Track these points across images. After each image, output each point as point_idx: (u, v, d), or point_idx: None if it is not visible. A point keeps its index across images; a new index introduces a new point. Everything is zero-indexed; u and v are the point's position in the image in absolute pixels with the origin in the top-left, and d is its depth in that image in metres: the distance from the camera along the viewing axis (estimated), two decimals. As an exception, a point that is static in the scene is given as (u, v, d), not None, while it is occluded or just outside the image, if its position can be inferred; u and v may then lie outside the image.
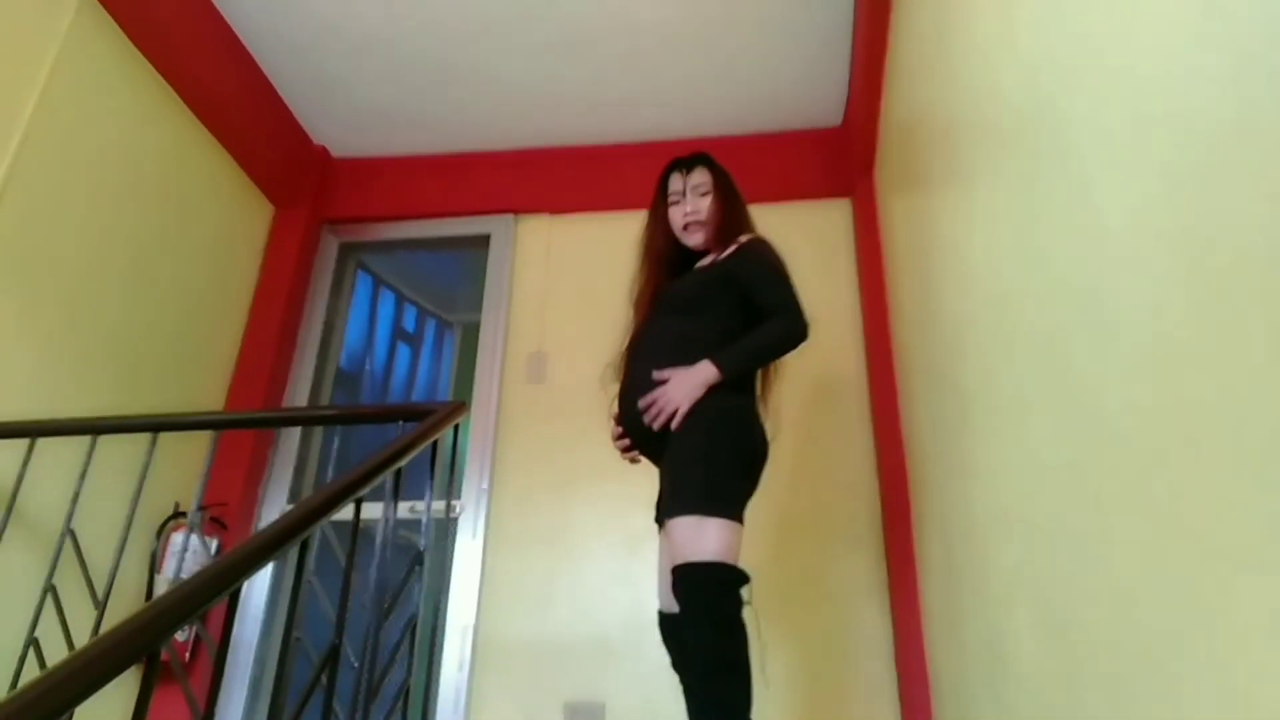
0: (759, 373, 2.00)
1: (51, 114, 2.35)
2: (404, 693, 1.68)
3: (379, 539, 1.68)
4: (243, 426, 2.85)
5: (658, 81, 3.15)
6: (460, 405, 1.93)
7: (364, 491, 1.47)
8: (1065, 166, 1.18)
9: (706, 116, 3.29)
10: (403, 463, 1.63)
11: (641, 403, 1.87)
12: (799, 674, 2.56)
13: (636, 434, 1.98)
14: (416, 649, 1.75)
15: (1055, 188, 1.22)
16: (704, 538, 1.68)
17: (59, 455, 2.13)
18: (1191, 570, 0.85)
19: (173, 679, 2.39)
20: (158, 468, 2.03)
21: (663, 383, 1.89)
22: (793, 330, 1.92)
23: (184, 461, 2.76)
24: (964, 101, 1.75)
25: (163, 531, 2.68)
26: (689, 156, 2.27)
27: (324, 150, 3.52)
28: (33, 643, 1.91)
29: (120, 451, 2.25)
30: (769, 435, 1.93)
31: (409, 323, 4.01)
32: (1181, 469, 0.86)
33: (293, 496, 3.05)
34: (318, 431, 3.23)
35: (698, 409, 1.83)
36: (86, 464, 2.01)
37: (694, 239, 2.16)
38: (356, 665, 1.58)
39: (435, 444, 1.80)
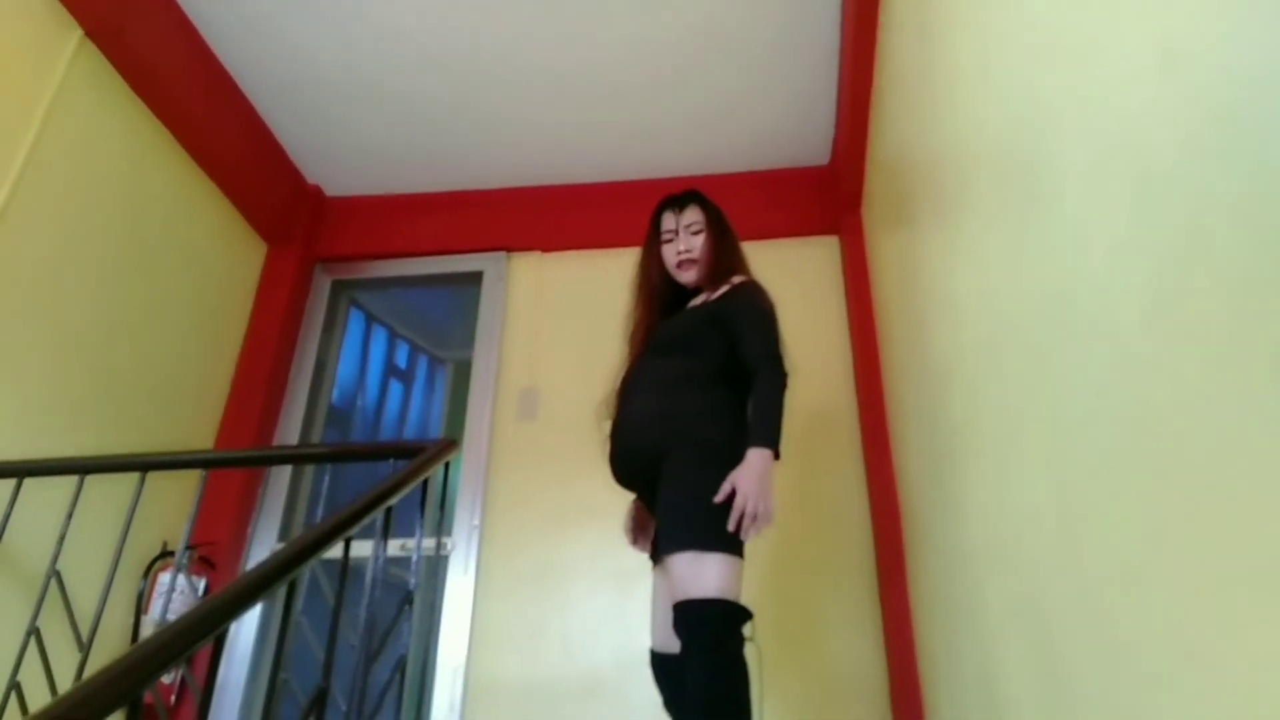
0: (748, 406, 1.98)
1: (47, 154, 2.37)
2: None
3: (369, 577, 1.66)
4: (232, 466, 2.83)
5: (648, 120, 3.20)
6: (451, 443, 1.93)
7: (354, 530, 1.46)
8: (1048, 203, 1.20)
9: (695, 155, 3.34)
10: (394, 501, 1.63)
11: (732, 522, 1.71)
12: (790, 709, 2.53)
13: (628, 470, 1.98)
14: (406, 690, 1.72)
15: (1039, 224, 1.24)
16: (703, 574, 1.67)
17: (46, 495, 2.12)
18: (1180, 606, 0.85)
19: (157, 722, 2.35)
20: (146, 507, 2.02)
21: (656, 416, 1.90)
22: (777, 382, 1.92)
23: (173, 500, 2.74)
24: (948, 139, 1.78)
25: (150, 571, 2.65)
26: (681, 194, 2.30)
27: (317, 189, 3.55)
28: (15, 687, 1.88)
29: (108, 491, 2.23)
30: None
31: (401, 359, 4.01)
32: (1168, 506, 0.87)
33: (283, 534, 3.02)
34: (309, 469, 3.21)
35: (690, 444, 1.84)
36: (74, 504, 1.99)
37: (686, 276, 2.18)
38: (344, 708, 1.56)
39: (426, 482, 1.80)
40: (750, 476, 1.74)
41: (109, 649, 2.35)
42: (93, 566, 2.28)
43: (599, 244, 3.35)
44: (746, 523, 1.71)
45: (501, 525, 2.92)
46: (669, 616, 1.73)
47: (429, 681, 2.67)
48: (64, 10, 2.42)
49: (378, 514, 1.58)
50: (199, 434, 3.00)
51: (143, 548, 2.63)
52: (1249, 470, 0.71)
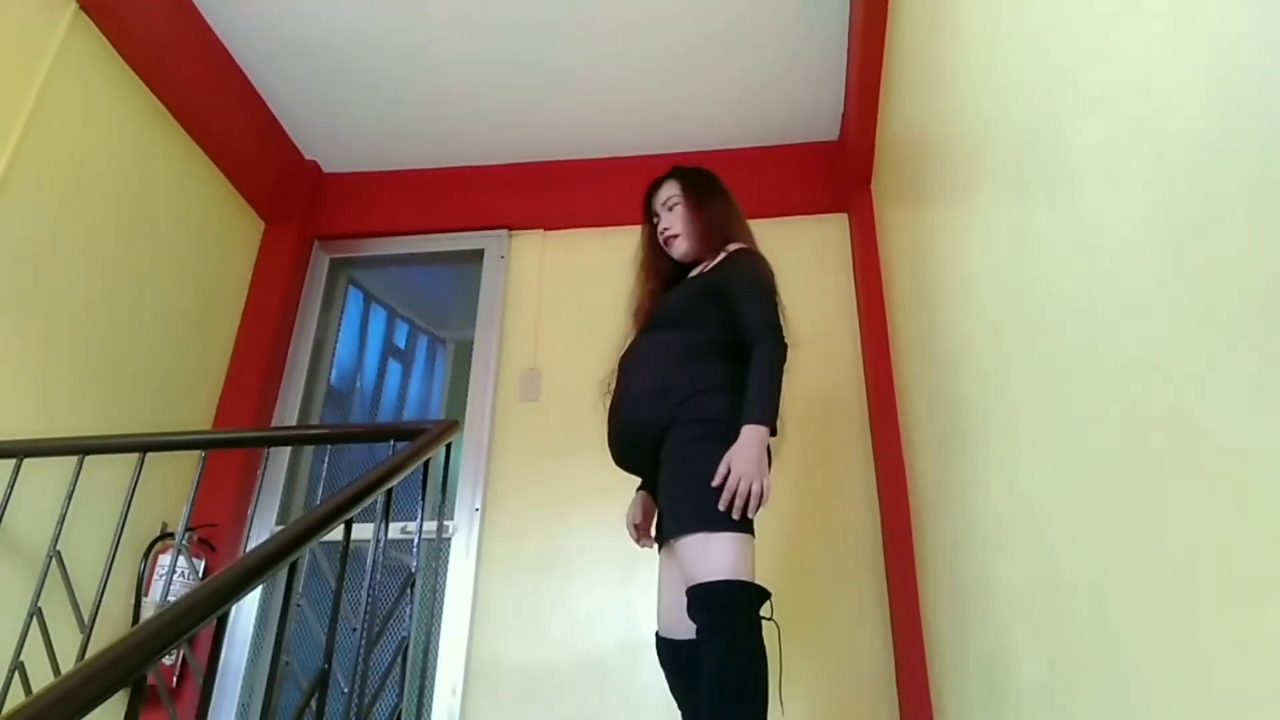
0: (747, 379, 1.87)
1: (42, 131, 2.33)
2: (395, 718, 1.65)
3: (370, 560, 1.65)
4: (231, 446, 2.81)
5: (652, 96, 3.15)
6: (453, 424, 1.91)
7: (354, 512, 1.45)
8: (1058, 184, 1.18)
9: (702, 131, 3.30)
10: (394, 483, 1.61)
11: (723, 504, 1.67)
12: (797, 690, 2.53)
13: (627, 449, 1.94)
14: (408, 673, 1.71)
15: (1049, 205, 1.22)
16: (712, 555, 1.64)
17: (45, 476, 2.10)
18: (1186, 593, 0.85)
19: (159, 704, 2.35)
20: (145, 488, 2.01)
21: (653, 392, 1.86)
22: (775, 354, 1.86)
23: (172, 482, 2.73)
24: (959, 117, 1.75)
25: (150, 553, 2.64)
26: (664, 175, 2.26)
27: (315, 165, 3.51)
28: (18, 667, 1.88)
29: (107, 472, 2.22)
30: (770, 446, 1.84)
31: (400, 340, 3.98)
32: (1180, 489, 0.85)
33: (282, 517, 3.01)
34: (307, 451, 3.20)
35: (689, 422, 1.79)
36: (73, 485, 1.98)
37: (676, 252, 2.15)
38: (346, 690, 1.55)
39: (427, 463, 1.78)
40: (744, 455, 1.68)
41: (110, 630, 2.35)
42: (93, 548, 2.27)
43: (603, 222, 3.32)
44: (739, 503, 1.66)
45: (503, 508, 2.90)
46: (677, 601, 1.71)
47: (431, 665, 2.67)
48: (57, -18, 2.38)
49: (378, 496, 1.56)
50: (197, 415, 2.98)
51: (142, 530, 2.62)
52: (1263, 452, 0.70)
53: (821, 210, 3.24)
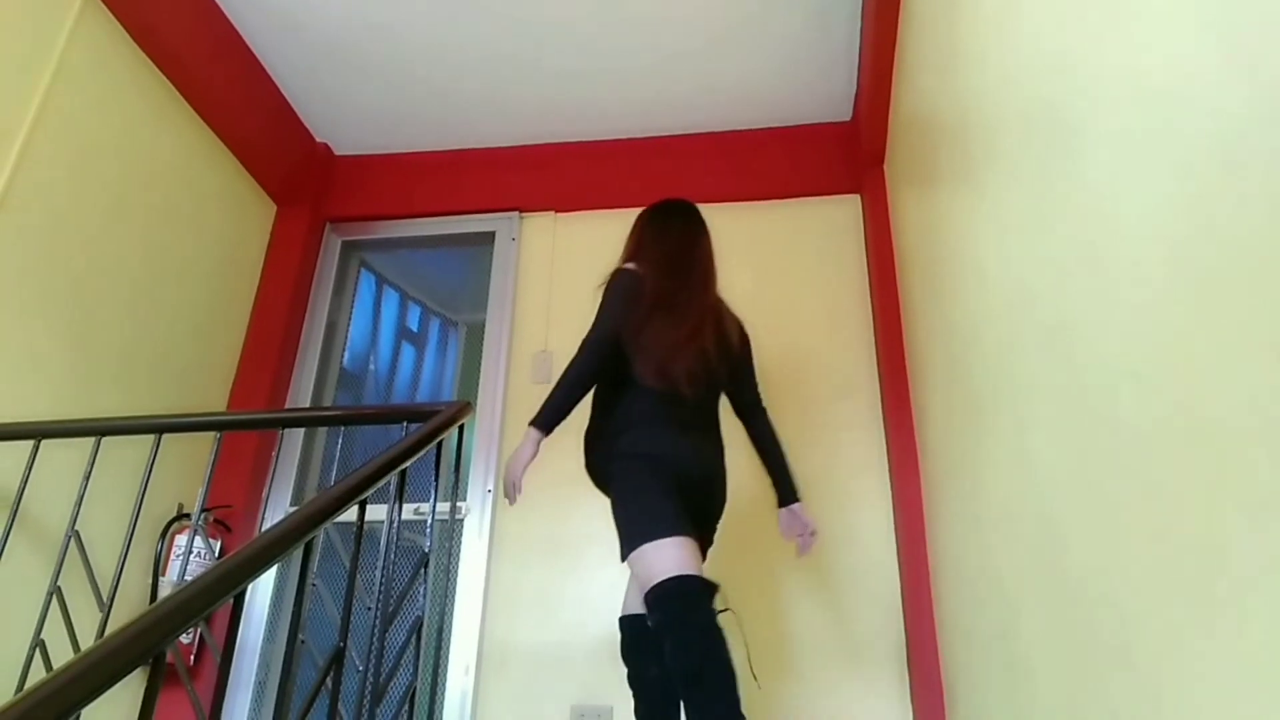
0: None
1: (55, 115, 2.34)
2: (409, 696, 1.67)
3: (384, 541, 1.67)
4: (246, 428, 2.83)
5: (664, 77, 3.13)
6: (465, 405, 1.91)
7: (368, 493, 1.46)
8: (1075, 163, 1.17)
9: (714, 112, 3.27)
10: (407, 464, 1.62)
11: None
12: (810, 669, 2.54)
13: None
14: (422, 652, 1.73)
15: (1066, 184, 1.21)
16: (648, 566, 1.76)
17: (63, 457, 2.13)
18: (1198, 570, 0.84)
19: (177, 682, 2.38)
20: (161, 469, 2.03)
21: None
22: (572, 364, 2.01)
23: (188, 463, 2.75)
24: (975, 95, 1.73)
25: (166, 534, 2.67)
26: None
27: (326, 148, 3.51)
28: (39, 645, 1.90)
29: (124, 453, 2.24)
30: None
31: (413, 322, 3.99)
32: (1195, 470, 0.85)
33: (296, 498, 3.04)
34: (321, 433, 3.22)
35: (601, 459, 2.01)
36: (90, 466, 2.00)
37: None
38: (361, 669, 1.57)
39: (440, 445, 1.79)
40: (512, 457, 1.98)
41: (128, 609, 2.38)
42: (111, 528, 2.30)
43: (614, 204, 3.30)
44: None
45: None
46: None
47: (445, 644, 2.69)
48: (67, -35, 2.38)
49: (392, 477, 1.57)
50: (212, 397, 3.00)
51: (159, 510, 2.64)
52: (1273, 437, 0.69)
53: (834, 191, 3.22)
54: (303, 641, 1.36)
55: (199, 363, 2.94)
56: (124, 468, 2.32)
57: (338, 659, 1.41)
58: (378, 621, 1.58)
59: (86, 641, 1.90)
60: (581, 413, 2.08)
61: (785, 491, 2.16)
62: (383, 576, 1.62)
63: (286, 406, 3.15)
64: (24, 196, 2.24)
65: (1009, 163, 1.50)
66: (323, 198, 3.47)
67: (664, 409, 1.95)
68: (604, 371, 2.00)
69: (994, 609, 1.75)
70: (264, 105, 3.18)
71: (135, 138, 2.65)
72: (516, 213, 3.39)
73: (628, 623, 2.04)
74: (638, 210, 3.31)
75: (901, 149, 2.70)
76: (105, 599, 1.91)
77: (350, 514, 1.43)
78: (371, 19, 2.91)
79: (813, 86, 3.16)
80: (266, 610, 2.86)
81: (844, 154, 3.23)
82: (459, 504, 2.89)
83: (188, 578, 2.42)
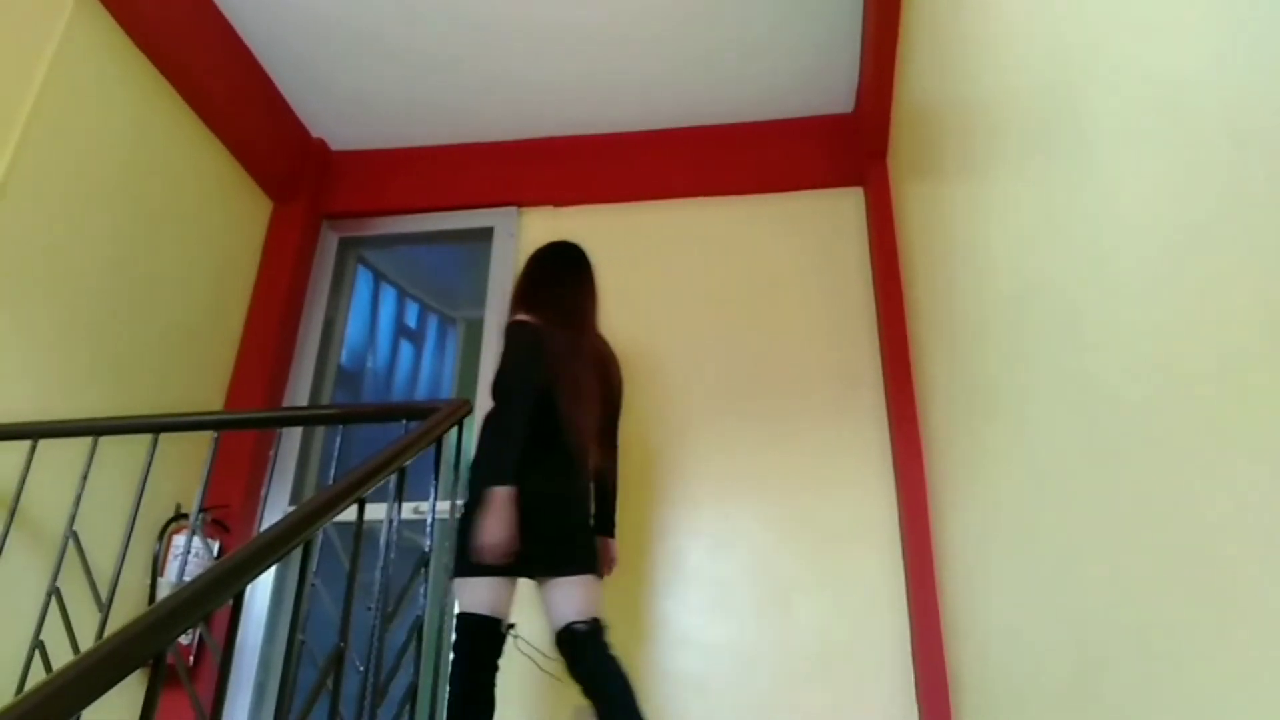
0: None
1: (49, 112, 2.32)
2: (410, 696, 1.66)
3: (383, 539, 1.65)
4: (243, 427, 2.82)
5: (664, 68, 3.11)
6: (464, 403, 1.90)
7: (367, 490, 1.45)
8: (1082, 155, 1.16)
9: (714, 104, 3.25)
10: (406, 462, 1.61)
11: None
12: (815, 675, 2.53)
13: None
14: (423, 652, 1.72)
15: (1072, 177, 1.20)
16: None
17: (60, 457, 2.11)
18: (1210, 567, 0.83)
19: (177, 683, 2.36)
20: (159, 469, 2.01)
21: None
22: (492, 423, 2.14)
23: (185, 463, 2.73)
24: (979, 86, 1.72)
25: (164, 534, 2.65)
26: None
27: (322, 143, 3.49)
28: (39, 645, 1.89)
29: (121, 453, 2.23)
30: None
31: (411, 319, 3.98)
32: (1199, 466, 0.84)
33: (294, 497, 3.02)
34: (319, 431, 3.20)
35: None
36: (88, 465, 1.99)
37: None
38: (361, 669, 1.56)
39: (439, 443, 1.78)
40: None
41: (127, 610, 2.36)
42: (109, 528, 2.29)
43: (613, 198, 3.30)
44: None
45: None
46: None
47: (445, 643, 2.68)
48: (61, -40, 2.35)
49: (390, 474, 1.56)
50: (209, 397, 2.98)
51: (157, 510, 2.63)
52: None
53: (836, 184, 3.20)
54: (303, 642, 1.35)
55: (196, 361, 2.92)
56: (121, 468, 2.31)
57: (338, 659, 1.40)
58: (378, 621, 1.57)
59: (86, 642, 1.88)
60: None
61: (604, 526, 2.35)
62: (382, 576, 1.61)
63: (284, 405, 3.13)
64: (18, 194, 2.22)
65: (1015, 153, 1.49)
66: (319, 194, 3.45)
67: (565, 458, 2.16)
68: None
69: (1001, 604, 1.74)
70: (259, 100, 3.16)
71: (130, 134, 2.63)
72: (515, 207, 3.37)
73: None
74: (638, 204, 3.31)
75: (905, 141, 2.69)
76: (104, 599, 1.90)
77: (349, 513, 1.42)
78: (366, 13, 2.89)
79: (814, 78, 3.14)
80: (266, 610, 2.84)
81: (846, 146, 3.21)
82: (458, 502, 2.87)
83: (186, 578, 2.41)
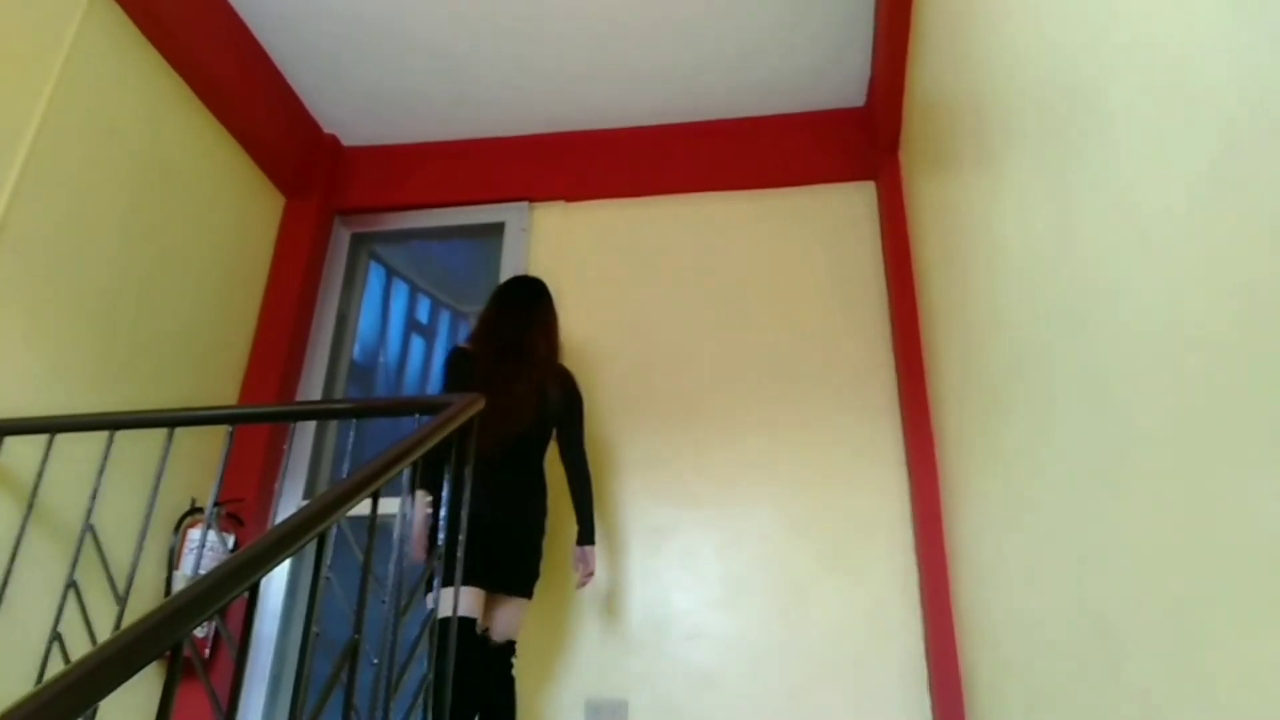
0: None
1: (63, 109, 2.33)
2: (425, 688, 1.66)
3: (396, 534, 1.66)
4: (258, 421, 2.82)
5: (675, 63, 3.10)
6: (477, 397, 1.90)
7: (381, 484, 1.45)
8: (1099, 146, 1.14)
9: (725, 98, 3.24)
10: (419, 454, 1.61)
11: None
12: (825, 662, 2.53)
13: None
14: (436, 645, 1.72)
15: (1089, 168, 1.18)
16: None
17: (78, 452, 2.13)
18: (1233, 560, 0.82)
19: (193, 675, 2.38)
20: (174, 464, 2.03)
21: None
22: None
23: (200, 457, 2.75)
24: (993, 78, 1.70)
25: (180, 527, 2.67)
26: None
27: (334, 139, 3.50)
28: (56, 638, 1.91)
29: (137, 448, 2.24)
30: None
31: (423, 314, 3.98)
32: (1221, 457, 0.83)
33: (308, 492, 3.04)
34: (332, 426, 3.21)
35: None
36: (104, 459, 2.00)
37: None
38: (376, 661, 1.56)
39: (453, 436, 1.78)
40: None
41: (144, 603, 2.38)
42: (125, 522, 2.31)
43: (625, 192, 3.29)
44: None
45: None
46: None
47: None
48: (75, -42, 2.37)
49: (404, 468, 1.56)
50: (223, 392, 3.00)
51: (172, 504, 2.65)
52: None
53: (848, 178, 3.18)
54: (317, 634, 1.35)
55: (210, 356, 2.93)
56: (137, 462, 2.32)
57: (353, 652, 1.40)
58: (392, 614, 1.58)
59: (103, 634, 1.90)
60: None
61: (583, 533, 2.42)
62: (396, 569, 1.62)
63: (297, 399, 3.15)
64: (35, 191, 2.24)
65: (1032, 144, 1.47)
66: (331, 189, 3.46)
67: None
68: None
69: (1015, 598, 1.73)
70: (272, 97, 3.17)
71: (144, 130, 2.64)
72: (526, 202, 3.37)
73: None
74: (649, 199, 3.31)
75: (917, 133, 2.67)
76: (121, 592, 1.91)
77: (364, 508, 1.42)
78: (378, 9, 2.89)
79: (826, 72, 3.12)
80: (281, 604, 2.86)
81: (858, 140, 3.20)
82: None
83: (201, 571, 2.42)
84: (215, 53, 2.86)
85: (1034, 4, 1.40)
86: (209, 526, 2.37)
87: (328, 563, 1.40)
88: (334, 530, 1.34)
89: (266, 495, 2.93)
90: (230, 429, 2.02)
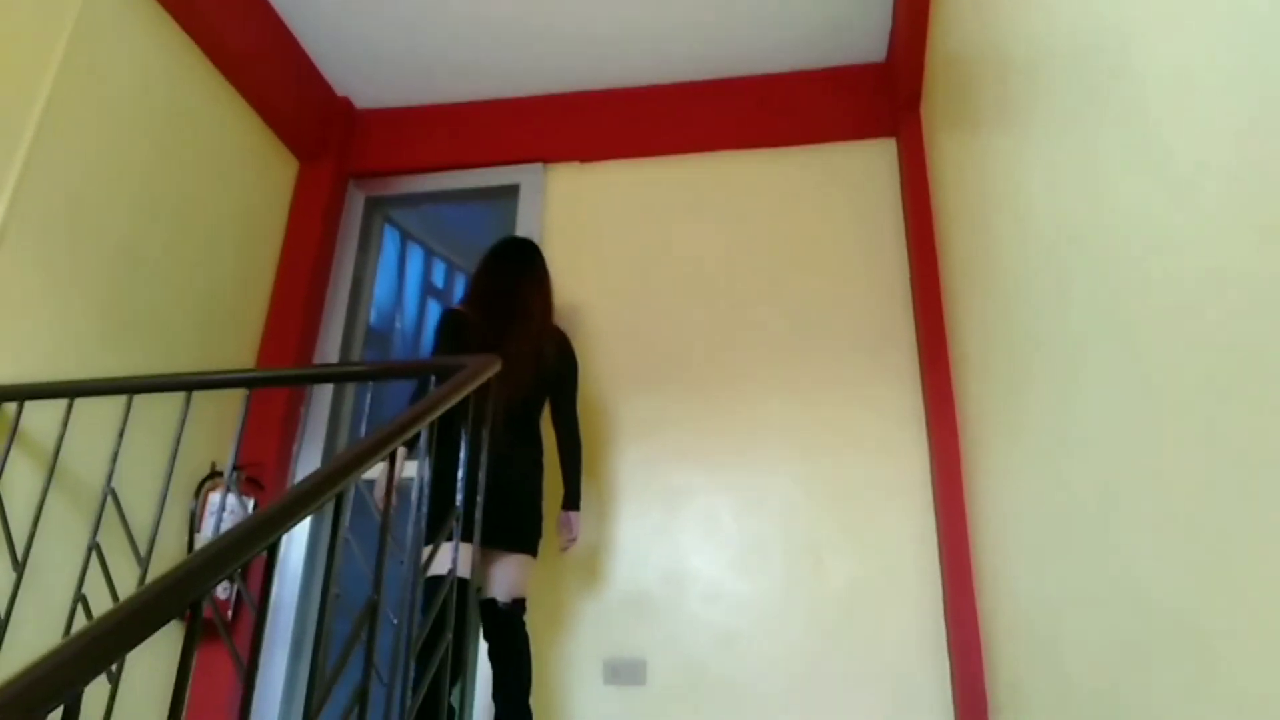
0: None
1: (74, 75, 2.31)
2: (444, 651, 1.67)
3: (414, 495, 1.66)
4: (275, 384, 2.84)
5: (690, 19, 3.04)
6: (493, 358, 1.89)
7: (398, 445, 1.44)
8: (1128, 100, 1.11)
9: (742, 54, 3.18)
10: (436, 415, 1.60)
11: None
12: (842, 626, 2.53)
13: None
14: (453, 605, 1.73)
15: (1118, 123, 1.14)
16: None
17: (97, 416, 2.14)
18: (1266, 539, 0.79)
19: (216, 637, 2.42)
20: (193, 428, 2.04)
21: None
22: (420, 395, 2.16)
23: (218, 421, 2.77)
24: (1020, 31, 1.64)
25: (200, 491, 2.69)
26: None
27: (347, 101, 3.46)
28: (80, 599, 1.93)
29: (156, 412, 2.25)
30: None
31: (438, 278, 3.97)
32: (1258, 432, 0.80)
33: (327, 455, 3.05)
34: (349, 390, 3.22)
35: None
36: (124, 423, 2.01)
37: None
38: (395, 621, 1.57)
39: (469, 398, 1.77)
40: None
41: (165, 566, 2.40)
42: (146, 486, 2.33)
43: (641, 152, 3.24)
44: None
45: (547, 443, 2.91)
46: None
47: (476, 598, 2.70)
48: (82, -83, 2.33)
49: (421, 428, 1.55)
50: (240, 356, 3.00)
51: (192, 468, 2.67)
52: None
53: (868, 135, 3.12)
54: (337, 595, 1.35)
55: (227, 320, 2.94)
56: (156, 426, 2.34)
57: (372, 612, 1.41)
58: (411, 575, 1.58)
59: (125, 595, 1.92)
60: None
61: (569, 498, 2.42)
62: (415, 531, 1.62)
63: (314, 364, 3.15)
64: (48, 156, 2.23)
65: (1057, 97, 1.43)
66: (345, 153, 3.43)
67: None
68: None
69: (1038, 567, 1.71)
70: (285, 60, 3.13)
71: (156, 96, 2.62)
72: (540, 164, 3.33)
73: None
74: (664, 159, 3.26)
75: (939, 89, 2.61)
76: (143, 555, 1.93)
77: (380, 472, 1.42)
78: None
79: (846, 26, 3.05)
80: (301, 566, 2.89)
81: (879, 96, 3.13)
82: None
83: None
84: (227, 17, 2.83)
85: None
86: (228, 490, 2.38)
87: (345, 523, 1.40)
88: (351, 490, 1.33)
89: (285, 459, 2.95)
90: (247, 392, 2.03)
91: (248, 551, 1.04)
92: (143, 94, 2.57)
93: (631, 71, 3.27)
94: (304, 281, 3.16)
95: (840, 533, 2.64)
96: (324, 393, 3.13)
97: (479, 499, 1.79)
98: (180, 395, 2.01)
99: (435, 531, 1.87)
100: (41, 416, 2.09)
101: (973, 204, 2.20)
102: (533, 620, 2.37)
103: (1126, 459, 1.18)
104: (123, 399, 2.05)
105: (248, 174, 3.07)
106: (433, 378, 1.84)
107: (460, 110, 3.44)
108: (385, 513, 1.50)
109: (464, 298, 2.58)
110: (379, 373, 2.36)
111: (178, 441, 1.96)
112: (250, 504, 2.74)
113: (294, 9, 3.03)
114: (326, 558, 1.35)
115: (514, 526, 2.30)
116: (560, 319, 2.69)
